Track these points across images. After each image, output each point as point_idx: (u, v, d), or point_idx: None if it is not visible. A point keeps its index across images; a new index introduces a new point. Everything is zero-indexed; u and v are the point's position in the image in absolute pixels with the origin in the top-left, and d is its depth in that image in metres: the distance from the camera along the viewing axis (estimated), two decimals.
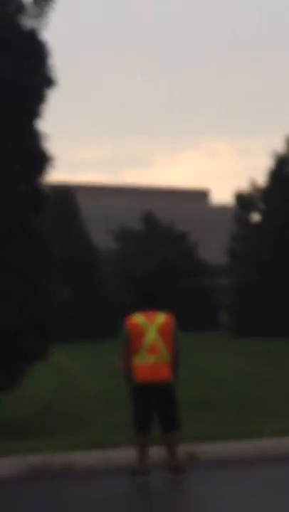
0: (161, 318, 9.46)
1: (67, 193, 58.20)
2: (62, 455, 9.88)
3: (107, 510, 7.90)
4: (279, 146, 51.16)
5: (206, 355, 30.70)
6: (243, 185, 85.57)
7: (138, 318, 9.45)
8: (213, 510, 7.71)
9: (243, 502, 7.86)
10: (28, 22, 13.75)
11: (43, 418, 14.58)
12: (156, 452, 9.61)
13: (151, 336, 9.30)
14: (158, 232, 67.13)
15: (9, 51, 13.35)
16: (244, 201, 53.20)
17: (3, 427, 12.46)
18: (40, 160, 13.54)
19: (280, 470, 9.34)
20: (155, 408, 9.35)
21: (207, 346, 36.68)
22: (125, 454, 9.79)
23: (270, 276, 47.82)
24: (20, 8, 13.73)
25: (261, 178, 62.00)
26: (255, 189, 52.54)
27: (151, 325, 9.36)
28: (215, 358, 28.94)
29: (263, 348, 33.37)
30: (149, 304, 9.64)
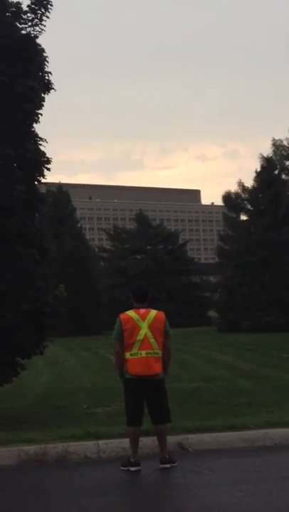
0: (152, 314, 9.68)
1: (62, 194, 58.45)
2: (57, 446, 10.06)
3: (101, 500, 8.02)
4: (266, 150, 51.54)
5: (196, 350, 30.93)
6: (231, 187, 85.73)
7: (130, 315, 9.70)
8: (202, 499, 7.86)
9: (231, 491, 8.00)
10: (24, 28, 13.96)
11: (38, 410, 14.79)
12: (148, 443, 9.93)
13: (143, 331, 9.54)
14: (149, 231, 67.22)
15: (6, 56, 13.51)
16: (232, 202, 53.34)
17: None
18: (36, 162, 13.79)
19: (268, 460, 9.49)
20: (146, 401, 9.67)
21: (197, 342, 36.80)
22: (118, 445, 10.06)
23: (257, 275, 48.15)
24: (17, 14, 13.93)
25: (249, 180, 62.31)
26: (243, 190, 52.71)
27: (143, 321, 9.60)
28: (205, 354, 29.18)
29: (251, 344, 33.55)
30: (141, 300, 9.89)
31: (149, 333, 9.55)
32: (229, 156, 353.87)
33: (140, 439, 9.63)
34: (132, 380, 9.58)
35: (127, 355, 9.57)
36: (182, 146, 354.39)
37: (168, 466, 9.35)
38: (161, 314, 9.80)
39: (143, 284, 10.46)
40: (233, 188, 53.77)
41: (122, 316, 9.77)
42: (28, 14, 13.92)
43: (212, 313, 58.76)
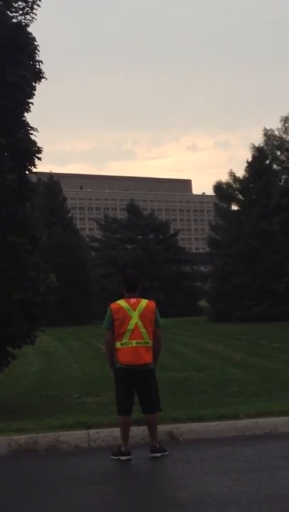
0: (143, 304, 9.67)
1: (53, 184, 58.48)
2: (47, 435, 10.07)
3: (91, 489, 8.02)
4: (256, 140, 51.70)
5: (187, 340, 31.02)
6: (222, 177, 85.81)
7: (121, 304, 9.69)
8: (193, 488, 7.86)
9: (222, 480, 8.01)
10: (15, 16, 13.92)
11: (28, 399, 14.82)
12: (138, 433, 9.96)
13: (134, 321, 9.53)
14: (140, 221, 67.25)
15: None
16: (223, 192, 53.37)
17: None
18: (27, 152, 13.76)
19: (258, 449, 9.51)
20: (137, 391, 9.69)
21: (188, 332, 36.89)
22: (109, 435, 10.07)
23: (248, 265, 48.26)
24: (7, 3, 13.88)
25: (240, 170, 62.34)
26: (234, 181, 52.75)
27: (133, 310, 9.59)
28: (195, 343, 29.26)
29: (242, 333, 33.67)
30: (132, 290, 9.87)
31: (140, 323, 9.55)
32: (220, 146, 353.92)
33: (131, 428, 9.65)
34: (122, 369, 9.59)
35: (118, 344, 9.58)
36: (173, 137, 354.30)
37: (158, 455, 9.37)
38: (152, 304, 9.79)
39: (134, 273, 10.45)
40: (225, 178, 53.90)
41: (112, 305, 9.77)
42: (19, 2, 13.89)
43: (203, 303, 58.94)
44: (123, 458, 9.30)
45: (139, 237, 65.86)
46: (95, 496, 7.78)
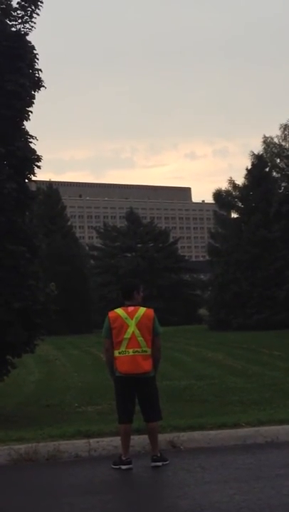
0: (141, 312, 9.63)
1: (52, 192, 58.56)
2: (48, 444, 10.03)
3: (92, 498, 7.99)
4: (255, 147, 51.82)
5: (187, 348, 31.00)
6: (222, 184, 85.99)
7: (119, 313, 9.66)
8: (194, 497, 7.82)
9: (223, 489, 7.98)
10: (14, 25, 13.93)
11: (28, 408, 14.80)
12: (139, 441, 9.93)
13: (131, 329, 9.50)
14: (140, 229, 67.28)
15: None
16: (223, 200, 53.38)
17: None
18: (27, 160, 13.76)
19: (259, 458, 9.48)
20: (138, 399, 9.66)
21: (188, 340, 36.87)
22: (109, 444, 10.03)
23: (248, 272, 48.24)
24: (6, 11, 13.91)
25: (239, 178, 62.38)
26: (234, 188, 52.79)
27: (131, 319, 9.56)
28: (195, 352, 29.24)
29: (242, 342, 33.63)
30: (128, 298, 9.85)
31: (137, 331, 9.53)
32: (219, 154, 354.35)
33: (131, 437, 9.62)
34: (121, 377, 9.58)
35: (116, 353, 9.57)
36: (171, 145, 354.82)
37: (159, 464, 9.34)
38: (150, 312, 9.74)
39: (130, 281, 10.43)
40: (224, 185, 53.91)
41: (110, 314, 9.76)
42: (18, 11, 13.90)
43: (203, 311, 58.92)
44: (124, 467, 9.27)
45: (139, 245, 65.87)
46: (95, 505, 7.75)
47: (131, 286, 10.09)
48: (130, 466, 9.29)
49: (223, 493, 7.89)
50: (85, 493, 8.21)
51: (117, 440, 9.78)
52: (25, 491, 8.59)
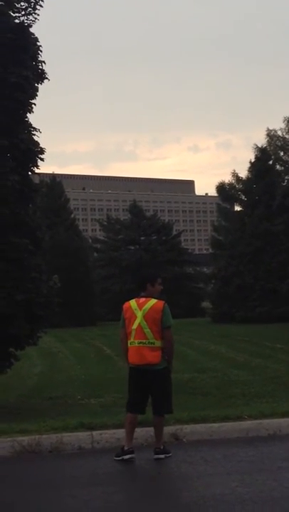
0: (150, 304, 9.60)
1: (56, 185, 58.51)
2: (51, 436, 10.03)
3: (95, 490, 8.00)
4: (259, 140, 51.71)
5: (190, 341, 30.99)
6: (225, 177, 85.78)
7: (130, 303, 9.69)
8: (197, 489, 7.85)
9: (226, 481, 8.00)
10: (18, 17, 13.89)
11: (31, 401, 14.82)
12: (142, 434, 9.92)
13: (138, 321, 9.51)
14: (143, 221, 67.22)
15: None
16: (226, 193, 53.31)
17: None
18: (30, 152, 13.74)
19: (262, 451, 9.48)
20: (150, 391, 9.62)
21: (190, 333, 36.84)
22: (112, 436, 10.03)
23: (251, 265, 48.21)
24: (9, 3, 13.87)
25: (243, 171, 62.30)
26: (237, 181, 52.71)
27: (139, 310, 9.56)
28: (198, 345, 29.24)
29: (244, 335, 33.63)
30: (139, 289, 9.85)
31: (144, 323, 9.51)
32: (222, 147, 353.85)
33: (135, 429, 9.60)
34: (130, 368, 9.65)
35: (128, 343, 9.60)
36: (174, 137, 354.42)
37: (162, 456, 9.33)
38: (159, 304, 9.69)
39: (144, 272, 10.40)
40: (227, 178, 53.85)
41: (124, 304, 9.81)
42: (22, 3, 13.87)
43: (206, 304, 58.88)
44: (126, 457, 9.27)
45: (142, 238, 65.85)
46: (98, 497, 7.76)
47: (143, 277, 10.11)
48: (132, 455, 9.29)
49: (226, 485, 7.89)
50: (88, 485, 8.22)
51: (119, 432, 9.77)
52: (28, 483, 8.59)
